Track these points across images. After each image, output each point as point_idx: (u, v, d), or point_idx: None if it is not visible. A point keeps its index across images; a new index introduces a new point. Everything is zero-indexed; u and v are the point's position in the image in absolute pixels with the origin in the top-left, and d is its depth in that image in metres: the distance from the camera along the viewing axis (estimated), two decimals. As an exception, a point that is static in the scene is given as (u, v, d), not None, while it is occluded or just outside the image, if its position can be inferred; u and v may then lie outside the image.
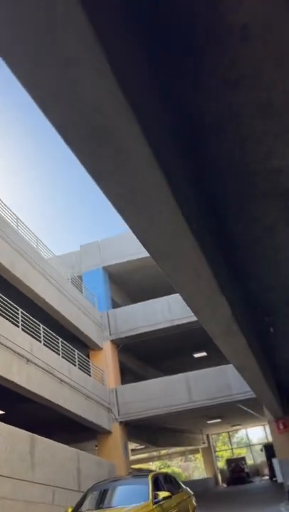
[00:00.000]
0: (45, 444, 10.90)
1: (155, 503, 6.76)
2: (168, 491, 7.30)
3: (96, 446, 18.57)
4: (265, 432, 33.71)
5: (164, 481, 7.90)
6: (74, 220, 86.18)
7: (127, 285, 21.95)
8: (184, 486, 8.95)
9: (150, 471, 8.08)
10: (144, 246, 2.62)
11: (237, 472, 26.75)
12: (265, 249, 4.43)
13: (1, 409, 15.29)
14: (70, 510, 7.33)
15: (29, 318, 12.56)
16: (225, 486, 27.66)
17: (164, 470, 32.55)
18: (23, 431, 10.14)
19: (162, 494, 7.03)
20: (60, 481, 11.07)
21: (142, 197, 2.20)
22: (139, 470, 22.03)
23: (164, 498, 6.99)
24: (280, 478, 16.46)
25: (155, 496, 6.90)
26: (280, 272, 5.21)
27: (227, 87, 2.35)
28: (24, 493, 9.40)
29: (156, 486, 7.32)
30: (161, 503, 6.87)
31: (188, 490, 8.96)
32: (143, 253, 19.30)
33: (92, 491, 7.81)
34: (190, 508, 7.89)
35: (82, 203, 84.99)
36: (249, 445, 36.21)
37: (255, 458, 34.45)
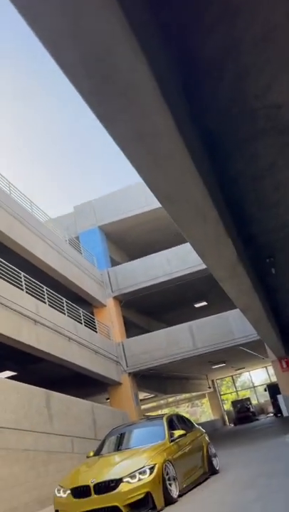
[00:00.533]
0: (60, 398, 11.37)
1: (171, 441, 7.18)
2: (182, 430, 7.74)
3: (107, 399, 19.37)
4: (268, 374, 35.14)
5: (178, 422, 8.34)
6: (65, 181, 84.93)
7: (125, 243, 22.03)
8: (196, 425, 9.47)
9: (163, 415, 8.51)
10: (150, 188, 2.65)
11: (243, 412, 28.08)
12: (265, 188, 4.47)
13: (15, 370, 15.82)
14: (91, 454, 7.79)
15: (32, 281, 12.71)
16: (232, 425, 29.12)
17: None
18: (39, 388, 10.56)
19: (177, 433, 7.47)
20: (78, 431, 11.65)
21: (149, 137, 2.21)
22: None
23: (180, 436, 7.42)
24: (285, 413, 17.39)
25: (171, 435, 7.32)
26: (280, 213, 5.28)
27: (227, 16, 2.30)
28: (45, 444, 9.92)
29: (171, 426, 7.74)
30: (177, 440, 7.30)
31: (201, 428, 9.48)
32: (137, 210, 19.29)
33: (110, 436, 8.25)
34: (204, 444, 8.38)
35: (73, 163, 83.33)
36: (253, 387, 37.82)
37: (259, 398, 36.11)
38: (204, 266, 17.81)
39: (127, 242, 21.84)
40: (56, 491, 6.34)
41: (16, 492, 8.36)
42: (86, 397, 15.79)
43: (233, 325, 16.24)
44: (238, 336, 16.11)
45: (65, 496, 6.12)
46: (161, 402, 35.85)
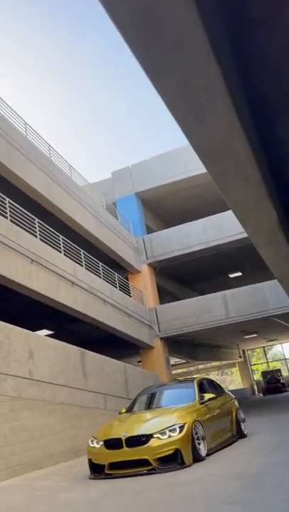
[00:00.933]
0: (94, 357, 11.80)
1: (201, 403, 7.37)
2: (212, 393, 7.91)
3: (139, 361, 19.91)
4: (300, 347, 34.82)
5: (208, 386, 8.51)
6: (103, 147, 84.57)
7: (161, 210, 21.95)
8: (226, 391, 9.64)
9: (194, 378, 8.69)
10: (193, 145, 2.61)
11: (273, 383, 28.21)
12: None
13: (52, 329, 16.48)
14: (123, 410, 8.12)
15: (70, 244, 12.99)
16: (261, 395, 29.36)
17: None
18: (74, 346, 10.98)
19: (208, 396, 7.64)
20: (110, 389, 12.12)
21: (195, 90, 2.17)
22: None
23: (210, 399, 7.60)
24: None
25: (201, 398, 7.50)
26: None
27: None
28: (79, 399, 10.41)
29: (202, 390, 7.92)
30: (207, 403, 7.48)
31: (231, 394, 9.65)
32: (176, 177, 19.04)
33: (141, 395, 8.55)
34: (233, 409, 8.55)
35: (111, 129, 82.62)
36: (284, 359, 37.72)
37: (289, 370, 36.02)
38: (241, 236, 17.61)
39: (164, 209, 21.74)
40: (90, 442, 6.70)
41: (51, 441, 8.89)
42: (119, 359, 16.31)
43: (267, 296, 16.08)
44: (272, 307, 15.97)
45: (98, 446, 6.46)
46: (192, 368, 36.44)
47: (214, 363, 35.30)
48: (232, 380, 45.55)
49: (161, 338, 17.56)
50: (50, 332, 16.26)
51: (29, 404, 8.58)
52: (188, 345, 22.77)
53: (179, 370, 35.07)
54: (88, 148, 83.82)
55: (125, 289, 16.85)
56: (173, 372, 29.67)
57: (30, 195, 11.92)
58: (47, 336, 11.87)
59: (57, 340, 10.53)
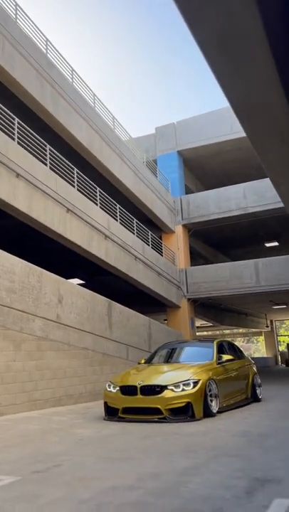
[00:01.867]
0: (120, 309, 12.14)
1: (219, 363, 7.52)
2: (230, 355, 8.04)
3: (165, 320, 20.27)
4: None
5: (228, 348, 8.64)
6: (149, 102, 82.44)
7: (202, 171, 21.47)
8: (246, 355, 9.75)
9: (214, 338, 8.83)
10: (228, 99, 2.53)
11: (297, 355, 28.14)
12: None
13: (84, 279, 16.96)
14: (142, 361, 8.41)
15: (106, 197, 13.06)
16: (284, 365, 29.45)
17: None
18: (102, 296, 11.31)
19: (226, 357, 7.77)
20: (133, 341, 12.52)
21: (233, 39, 2.08)
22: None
23: (227, 360, 7.74)
24: None
25: (219, 358, 7.65)
26: None
27: None
28: (103, 347, 10.85)
29: (221, 351, 8.06)
30: (224, 364, 7.63)
31: (250, 359, 9.76)
32: (221, 137, 18.43)
33: (162, 349, 8.79)
34: (250, 373, 8.68)
35: (159, 84, 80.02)
36: (312, 333, 37.32)
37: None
38: (281, 204, 16.97)
39: (205, 170, 21.26)
40: (107, 386, 7.04)
41: (73, 382, 9.41)
42: (145, 315, 16.70)
43: (301, 268, 15.76)
44: (304, 280, 15.67)
45: (114, 391, 6.78)
46: (217, 332, 36.79)
47: (240, 330, 35.44)
48: (257, 349, 45.81)
49: (189, 299, 17.73)
50: (81, 281, 16.74)
51: (55, 346, 9.04)
52: (215, 309, 22.91)
53: (204, 333, 35.48)
54: (134, 102, 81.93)
55: (158, 248, 16.93)
56: (197, 334, 30.11)
57: (71, 144, 11.94)
58: (78, 285, 12.24)
59: (86, 289, 10.87)
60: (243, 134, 14.39)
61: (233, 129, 17.92)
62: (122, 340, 11.83)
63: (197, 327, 24.50)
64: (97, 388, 9.97)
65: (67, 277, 11.97)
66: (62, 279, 9.77)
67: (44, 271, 9.04)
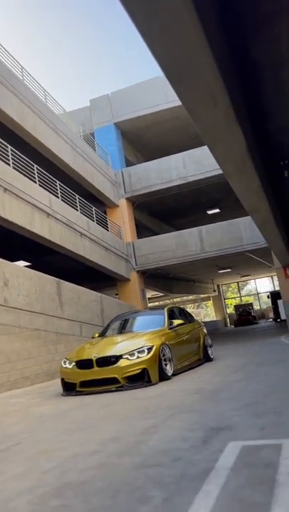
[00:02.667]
0: (70, 287, 12.05)
1: (170, 328, 7.75)
2: (181, 320, 8.30)
3: (116, 294, 20.41)
4: (273, 284, 36.18)
5: (179, 314, 8.91)
6: (82, 74, 79.91)
7: (140, 143, 21.37)
8: (196, 319, 10.10)
9: (165, 306, 9.06)
10: (157, 61, 2.51)
11: (244, 315, 29.59)
12: (286, 79, 4.20)
13: (29, 260, 16.56)
14: (96, 335, 8.48)
15: (45, 174, 12.68)
16: (232, 327, 30.88)
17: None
18: (50, 276, 11.15)
19: (176, 322, 8.02)
20: (86, 318, 12.54)
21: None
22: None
23: (178, 325, 7.99)
24: (283, 316, 18.33)
25: (170, 323, 7.88)
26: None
27: None
28: (55, 326, 10.77)
29: (171, 317, 8.30)
30: (175, 328, 7.87)
31: (200, 322, 10.13)
32: (156, 107, 18.35)
33: (115, 321, 8.90)
34: (201, 335, 9.04)
35: (89, 56, 77.52)
36: (257, 293, 39.28)
37: (261, 305, 37.70)
38: (220, 171, 17.40)
39: (143, 142, 21.18)
40: (62, 363, 7.05)
41: (28, 364, 9.30)
42: (97, 291, 16.72)
43: (242, 232, 16.37)
44: (246, 243, 16.33)
45: (70, 366, 6.81)
46: (168, 301, 37.62)
47: (190, 297, 36.52)
48: (206, 314, 47.48)
49: (138, 272, 17.92)
50: (27, 263, 16.35)
51: (6, 330, 8.85)
52: (164, 279, 23.36)
53: (156, 303, 36.17)
54: (66, 75, 78.99)
55: (103, 223, 16.82)
56: (149, 304, 30.63)
57: (1, 120, 11.38)
58: (25, 267, 11.95)
59: (32, 270, 10.65)
60: (179, 103, 14.27)
61: (168, 98, 17.89)
62: (74, 318, 11.81)
63: (148, 298, 24.92)
64: (53, 367, 9.94)
65: (12, 260, 11.64)
66: (6, 261, 9.49)
67: (-14, 254, 8.72)
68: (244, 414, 3.61)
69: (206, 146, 14.56)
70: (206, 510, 1.82)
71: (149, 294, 25.63)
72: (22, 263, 15.68)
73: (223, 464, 2.40)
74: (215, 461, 2.46)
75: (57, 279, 11.37)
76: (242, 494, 1.94)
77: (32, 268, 11.40)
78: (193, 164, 17.42)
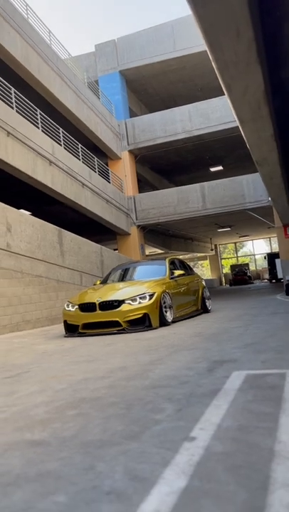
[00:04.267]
0: (71, 237, 12.09)
1: (171, 278, 7.88)
2: (182, 271, 8.43)
3: (115, 249, 20.51)
4: (270, 246, 36.38)
5: (179, 265, 9.02)
6: (88, 18, 76.04)
7: (146, 93, 20.76)
8: (195, 272, 10.24)
9: (166, 257, 9.16)
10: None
11: (240, 275, 29.95)
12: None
13: (30, 210, 16.48)
14: (98, 282, 8.62)
15: (49, 121, 12.39)
16: (228, 286, 31.34)
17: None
18: (52, 225, 11.15)
19: (177, 272, 8.15)
20: (86, 268, 12.67)
21: None
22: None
23: (179, 275, 8.12)
24: (280, 275, 18.61)
25: (171, 273, 8.01)
26: None
27: None
28: (56, 274, 10.90)
29: (173, 267, 8.41)
30: (176, 278, 8.00)
31: (199, 274, 10.28)
32: (164, 55, 17.69)
33: (116, 270, 9.02)
34: (200, 287, 9.21)
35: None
36: (253, 254, 39.57)
37: (257, 266, 38.07)
38: (226, 126, 17.05)
39: (149, 92, 20.56)
40: (65, 306, 7.20)
41: (29, 308, 9.50)
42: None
43: (245, 189, 16.27)
44: (248, 201, 16.27)
45: (73, 309, 6.97)
46: (165, 259, 37.87)
47: (187, 255, 36.71)
48: (202, 274, 48.01)
49: (138, 226, 17.93)
50: (28, 213, 16.27)
51: (8, 274, 8.95)
52: (163, 236, 23.43)
53: (153, 260, 36.45)
54: (72, 18, 75.12)
55: (105, 175, 16.62)
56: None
57: (4, 61, 10.97)
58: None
59: (35, 217, 10.63)
60: (187, 52, 13.96)
61: (176, 47, 17.23)
62: (75, 267, 11.93)
63: (146, 255, 25.09)
64: (54, 313, 10.16)
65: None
66: (9, 207, 9.45)
67: (-11, 198, 8.67)
68: (246, 352, 3.76)
69: (212, 99, 14.38)
70: (218, 417, 1.95)
71: (148, 250, 25.77)
72: (23, 212, 15.61)
73: (230, 386, 2.53)
74: (222, 385, 2.59)
75: (58, 228, 11.38)
76: (251, 407, 2.07)
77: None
78: (199, 117, 17.02)
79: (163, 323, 6.84)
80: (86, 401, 2.51)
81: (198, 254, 35.80)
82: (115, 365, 3.70)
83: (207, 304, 9.27)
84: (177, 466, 1.46)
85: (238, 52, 3.35)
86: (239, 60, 3.46)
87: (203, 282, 9.67)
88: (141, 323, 6.59)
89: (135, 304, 6.61)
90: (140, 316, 6.57)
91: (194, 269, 47.05)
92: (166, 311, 7.03)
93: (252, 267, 36.76)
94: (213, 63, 3.72)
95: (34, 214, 15.95)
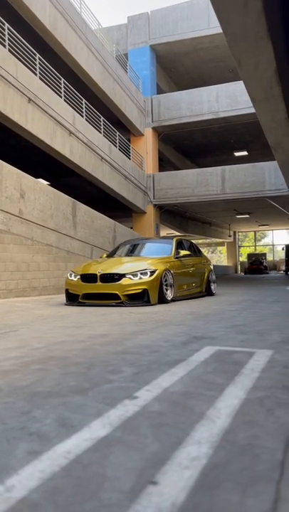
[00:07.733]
0: (85, 210, 12.15)
1: (176, 257, 7.87)
2: (188, 251, 8.40)
3: (131, 227, 20.53)
4: (290, 236, 35.73)
5: (187, 246, 8.98)
6: (123, -9, 74.24)
7: (175, 71, 20.35)
8: (204, 255, 10.19)
9: (174, 236, 9.13)
10: None
11: (256, 264, 29.68)
12: None
13: (48, 180, 16.59)
14: (104, 255, 8.68)
15: (72, 90, 12.32)
16: (242, 274, 31.12)
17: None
18: (67, 196, 11.22)
19: (183, 252, 8.14)
20: (98, 242, 12.75)
21: None
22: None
23: (184, 256, 8.11)
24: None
25: (177, 253, 7.99)
26: None
27: None
28: (67, 245, 11.02)
29: (180, 247, 8.39)
30: (181, 259, 7.99)
31: (207, 257, 10.22)
32: (197, 32, 17.22)
33: (124, 245, 9.05)
34: (206, 270, 9.17)
35: None
36: (272, 244, 39.04)
37: (275, 257, 37.58)
38: (254, 110, 16.61)
39: (179, 70, 20.15)
40: (68, 275, 7.31)
41: (36, 276, 9.67)
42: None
43: (266, 176, 15.96)
44: (268, 189, 15.98)
45: (75, 279, 7.07)
46: (182, 242, 37.74)
47: (204, 240, 36.47)
48: (219, 260, 47.72)
49: (155, 205, 17.87)
50: (46, 183, 16.39)
51: (18, 240, 9.10)
52: (180, 217, 23.29)
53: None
54: (109, -11, 73.37)
55: (125, 151, 16.52)
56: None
57: (31, 25, 10.90)
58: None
59: (49, 186, 10.71)
60: (221, 30, 13.41)
61: (210, 24, 16.77)
62: (86, 240, 12.02)
63: (162, 236, 25.03)
64: (61, 283, 10.31)
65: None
66: (24, 173, 9.53)
67: (4, 163, 8.76)
68: (229, 331, 3.77)
69: (242, 82, 13.92)
70: (169, 383, 1.98)
71: (164, 231, 25.69)
72: (40, 180, 15.73)
73: (196, 358, 2.56)
74: (188, 356, 2.62)
75: (73, 199, 11.44)
76: (206, 377, 2.09)
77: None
78: (227, 99, 16.65)
79: (162, 300, 6.87)
80: (54, 359, 2.58)
81: (215, 240, 35.53)
82: (98, 332, 3.77)
83: (212, 287, 9.25)
84: (107, 419, 1.50)
85: (247, 24, 3.24)
86: (248, 33, 3.35)
87: (211, 266, 9.63)
88: (140, 298, 6.65)
89: (136, 279, 6.65)
90: (140, 291, 6.61)
91: (212, 254, 46.88)
92: (166, 289, 7.05)
93: (270, 258, 36.32)
94: (225, 35, 3.63)
95: (51, 185, 16.07)
